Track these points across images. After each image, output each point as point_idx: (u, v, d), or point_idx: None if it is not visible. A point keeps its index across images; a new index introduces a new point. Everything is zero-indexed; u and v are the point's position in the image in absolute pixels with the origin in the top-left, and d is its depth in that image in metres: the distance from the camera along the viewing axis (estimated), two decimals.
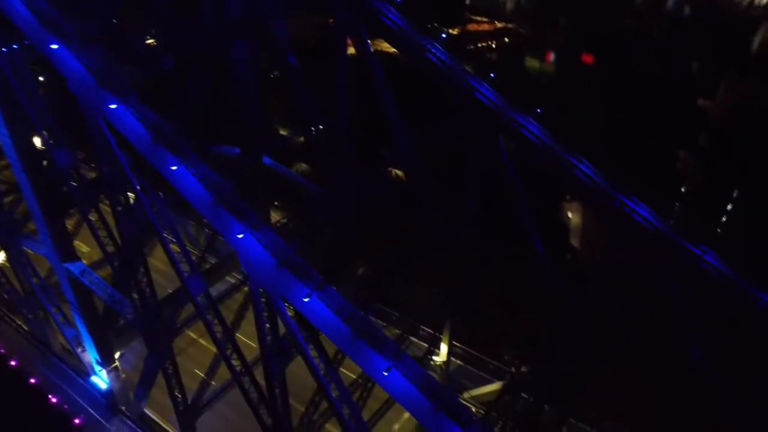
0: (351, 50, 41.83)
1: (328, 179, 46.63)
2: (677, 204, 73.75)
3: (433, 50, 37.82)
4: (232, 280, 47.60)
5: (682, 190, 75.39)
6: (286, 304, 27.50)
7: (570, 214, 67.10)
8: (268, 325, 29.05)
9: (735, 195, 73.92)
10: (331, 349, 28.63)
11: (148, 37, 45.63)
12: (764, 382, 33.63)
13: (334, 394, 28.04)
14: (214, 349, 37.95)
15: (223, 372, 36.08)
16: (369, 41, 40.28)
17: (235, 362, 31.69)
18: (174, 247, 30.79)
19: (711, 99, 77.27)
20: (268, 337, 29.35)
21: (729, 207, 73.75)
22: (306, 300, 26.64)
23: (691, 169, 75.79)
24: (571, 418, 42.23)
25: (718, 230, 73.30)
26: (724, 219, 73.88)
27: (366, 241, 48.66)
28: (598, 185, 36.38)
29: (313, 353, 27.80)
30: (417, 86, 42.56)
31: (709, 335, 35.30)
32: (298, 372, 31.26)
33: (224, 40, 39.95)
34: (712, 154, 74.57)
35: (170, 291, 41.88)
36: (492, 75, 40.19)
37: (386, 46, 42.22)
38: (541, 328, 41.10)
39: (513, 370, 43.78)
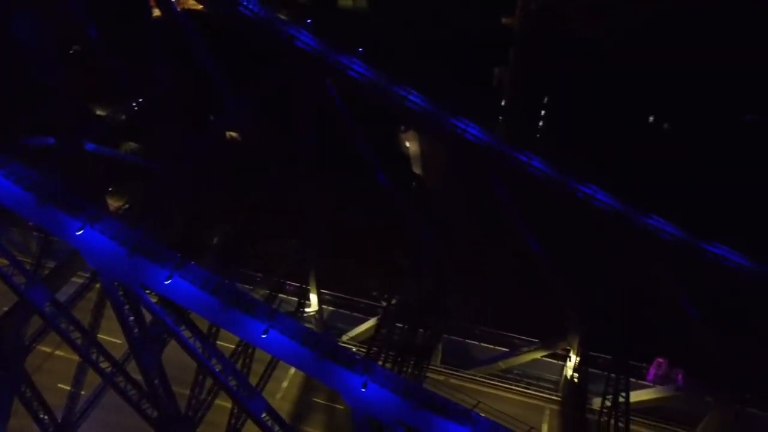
0: (156, 12, 39.14)
1: (162, 154, 44.11)
2: (500, 117, 79.60)
3: (244, 2, 36.51)
4: (80, 280, 43.99)
5: (502, 103, 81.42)
6: (147, 292, 26.30)
7: (408, 144, 69.80)
8: (132, 318, 27.60)
9: (546, 101, 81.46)
10: (203, 324, 28.03)
11: None
12: (592, 266, 38.81)
13: (217, 368, 27.64)
14: (76, 357, 35.33)
15: (93, 378, 33.92)
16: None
17: (104, 365, 29.85)
18: (1, 261, 27.77)
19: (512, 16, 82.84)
20: (135, 330, 27.91)
21: (543, 113, 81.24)
22: (167, 282, 25.63)
23: (505, 83, 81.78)
24: (444, 333, 45.55)
25: (538, 135, 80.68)
26: (541, 124, 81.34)
27: (217, 208, 47.33)
28: (429, 111, 38.20)
29: (186, 334, 27.04)
30: (236, 43, 41.10)
31: (542, 229, 39.55)
32: (174, 355, 30.25)
33: (3, 12, 35.11)
34: (521, 67, 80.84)
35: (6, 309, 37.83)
36: (309, 21, 39.58)
37: (193, 4, 40.06)
38: (399, 258, 43.34)
39: (383, 303, 45.81)
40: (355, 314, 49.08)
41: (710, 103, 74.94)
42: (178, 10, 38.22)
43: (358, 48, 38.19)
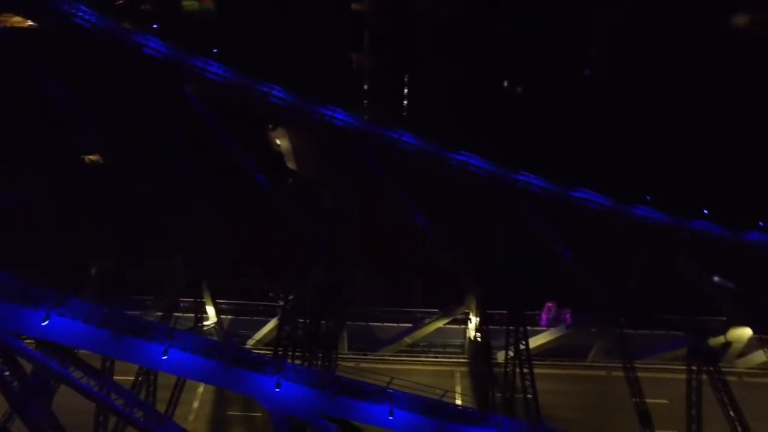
0: None
1: (17, 185, 40.46)
2: (365, 101, 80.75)
3: (80, 14, 34.19)
4: None
5: (365, 87, 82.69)
6: (22, 339, 24.21)
7: (278, 141, 68.83)
8: (7, 373, 25.20)
9: (406, 79, 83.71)
10: (95, 360, 26.32)
11: None
12: (477, 230, 40.84)
13: (119, 403, 26.13)
14: None
15: None
16: None
17: None
18: None
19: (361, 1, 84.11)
20: (15, 384, 25.55)
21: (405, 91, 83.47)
22: (45, 324, 23.76)
23: (365, 67, 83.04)
24: (346, 320, 45.84)
25: (404, 114, 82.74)
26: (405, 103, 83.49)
27: (90, 236, 44.27)
28: (293, 104, 38.05)
29: (77, 374, 25.22)
30: (80, 59, 38.39)
31: (425, 202, 40.92)
32: (67, 401, 28.15)
33: None
34: (377, 49, 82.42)
35: None
36: (155, 26, 37.78)
37: (18, 20, 36.83)
38: (291, 255, 42.89)
39: (281, 303, 45.22)
40: (255, 318, 48.12)
41: (553, 64, 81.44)
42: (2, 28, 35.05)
43: (212, 49, 37.12)
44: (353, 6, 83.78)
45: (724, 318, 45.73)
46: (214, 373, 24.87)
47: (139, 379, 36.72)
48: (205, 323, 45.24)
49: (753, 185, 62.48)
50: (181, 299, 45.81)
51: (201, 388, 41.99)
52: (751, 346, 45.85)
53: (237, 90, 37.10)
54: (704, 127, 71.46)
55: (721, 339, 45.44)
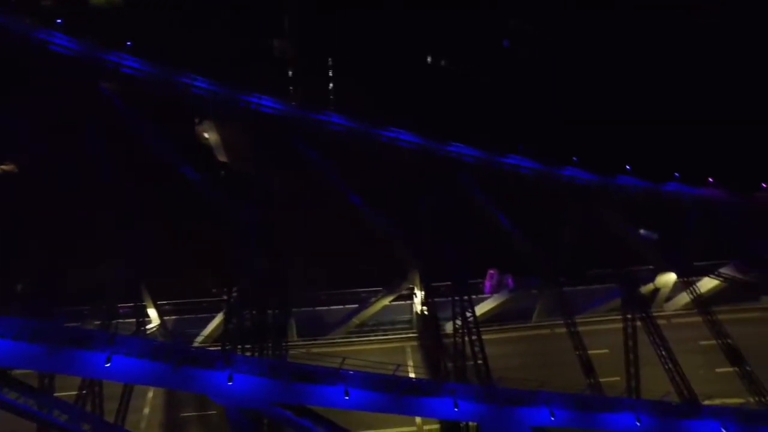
0: None
1: None
2: (291, 88, 79.74)
3: None
4: None
5: (290, 74, 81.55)
6: None
7: (206, 134, 67.05)
8: None
9: (330, 62, 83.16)
10: (32, 378, 25.18)
11: None
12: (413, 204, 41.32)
13: (63, 419, 25.11)
14: None
15: None
16: None
17: None
18: None
19: None
20: None
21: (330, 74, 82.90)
22: None
23: (288, 52, 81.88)
24: (293, 308, 45.53)
25: (331, 97, 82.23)
26: (331, 86, 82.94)
27: (11, 250, 41.92)
28: (218, 94, 37.13)
29: (11, 395, 24.03)
30: None
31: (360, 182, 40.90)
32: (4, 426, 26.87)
33: None
34: (298, 34, 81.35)
35: None
36: (59, 21, 35.65)
37: None
38: (229, 248, 42.02)
39: (225, 297, 44.42)
40: (201, 316, 47.12)
41: (473, 36, 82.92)
42: None
43: (125, 42, 35.56)
44: None
45: (651, 266, 48.35)
46: (163, 375, 24.32)
47: (83, 391, 35.53)
48: (148, 326, 43.94)
49: (669, 139, 65.95)
50: (120, 305, 44.36)
51: (151, 393, 41.00)
52: (676, 289, 48.83)
53: (157, 84, 35.82)
54: (619, 86, 74.69)
55: (650, 286, 48.19)
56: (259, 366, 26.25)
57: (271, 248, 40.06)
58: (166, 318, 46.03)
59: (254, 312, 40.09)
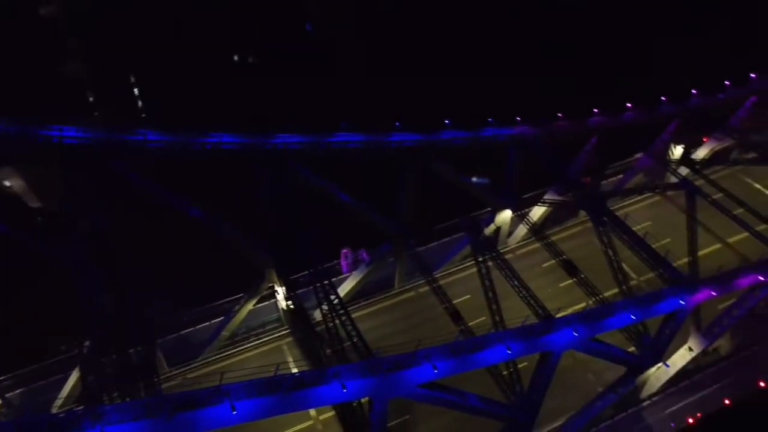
0: None
1: None
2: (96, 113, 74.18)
3: None
4: None
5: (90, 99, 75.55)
6: None
7: (7, 182, 60.16)
8: None
9: (132, 79, 78.30)
10: None
11: None
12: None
13: None
14: None
15: None
16: None
17: None
18: None
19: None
20: None
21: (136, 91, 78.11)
22: None
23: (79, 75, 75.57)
24: (156, 339, 42.80)
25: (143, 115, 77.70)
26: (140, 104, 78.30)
27: None
28: (10, 133, 33.58)
29: None
30: None
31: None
32: None
33: None
34: (92, 55, 75.37)
35: None
36: None
37: None
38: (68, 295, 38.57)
39: (77, 351, 40.70)
40: (52, 379, 42.74)
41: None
42: None
43: None
44: (41, 11, 74.80)
45: (489, 209, 52.13)
46: None
47: None
48: None
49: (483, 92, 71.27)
50: None
51: None
52: (514, 224, 53.27)
53: None
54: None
55: (492, 227, 51.94)
56: (132, 410, 24.45)
57: (114, 284, 37.29)
58: (9, 394, 41.16)
59: (114, 356, 37.34)
